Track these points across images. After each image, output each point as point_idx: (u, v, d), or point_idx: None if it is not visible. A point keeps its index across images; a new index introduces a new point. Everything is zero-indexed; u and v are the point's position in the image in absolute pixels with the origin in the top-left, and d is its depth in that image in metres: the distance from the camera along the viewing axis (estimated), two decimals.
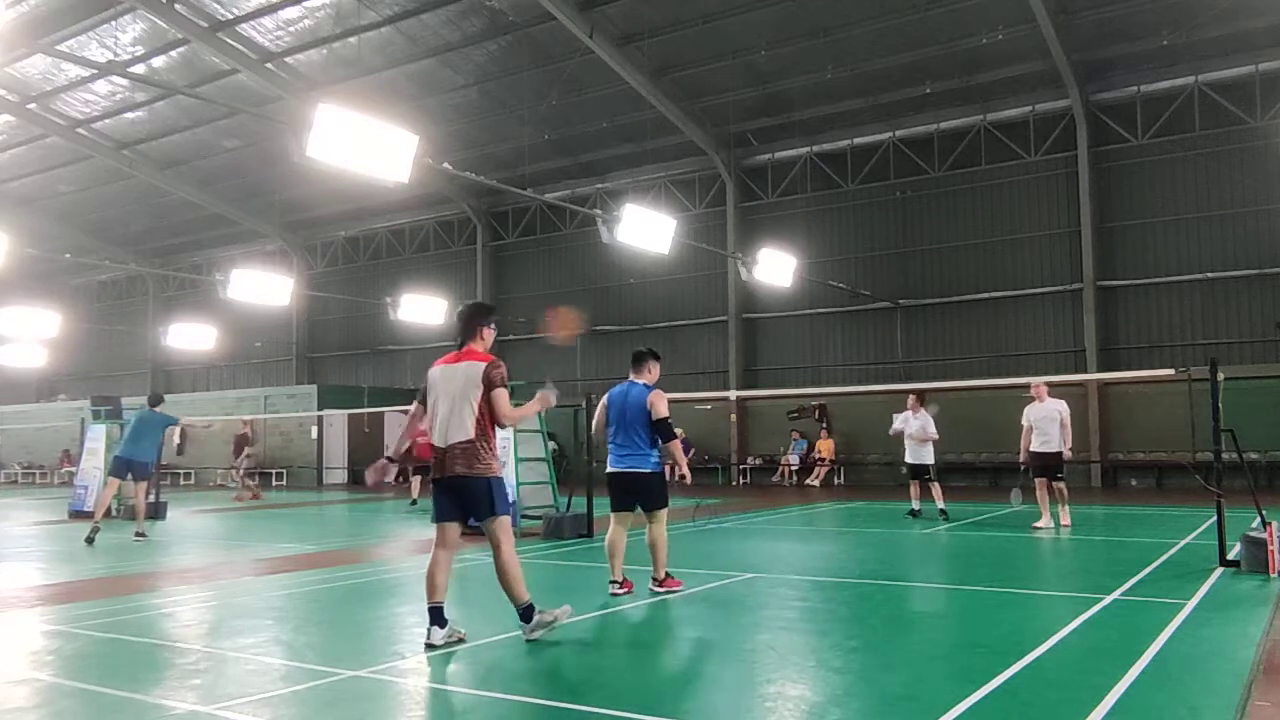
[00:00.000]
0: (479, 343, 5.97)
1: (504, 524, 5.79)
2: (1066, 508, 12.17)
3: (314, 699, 4.78)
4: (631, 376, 7.74)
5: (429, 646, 5.71)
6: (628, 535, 7.68)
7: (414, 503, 18.20)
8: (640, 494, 7.49)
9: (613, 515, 7.69)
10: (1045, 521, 11.98)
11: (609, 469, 7.60)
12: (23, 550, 12.20)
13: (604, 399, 7.80)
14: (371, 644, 6.16)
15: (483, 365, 5.78)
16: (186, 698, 4.78)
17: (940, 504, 13.69)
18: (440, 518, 5.89)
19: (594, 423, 7.93)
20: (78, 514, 17.19)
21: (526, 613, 5.78)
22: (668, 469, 7.95)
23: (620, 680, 5.06)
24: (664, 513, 7.55)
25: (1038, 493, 12.17)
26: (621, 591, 7.48)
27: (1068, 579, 8.69)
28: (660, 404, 7.44)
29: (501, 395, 5.75)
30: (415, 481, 18.72)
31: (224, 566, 10.17)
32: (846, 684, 4.93)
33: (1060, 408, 12.11)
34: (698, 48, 21.90)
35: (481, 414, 5.73)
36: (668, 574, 7.65)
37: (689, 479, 7.93)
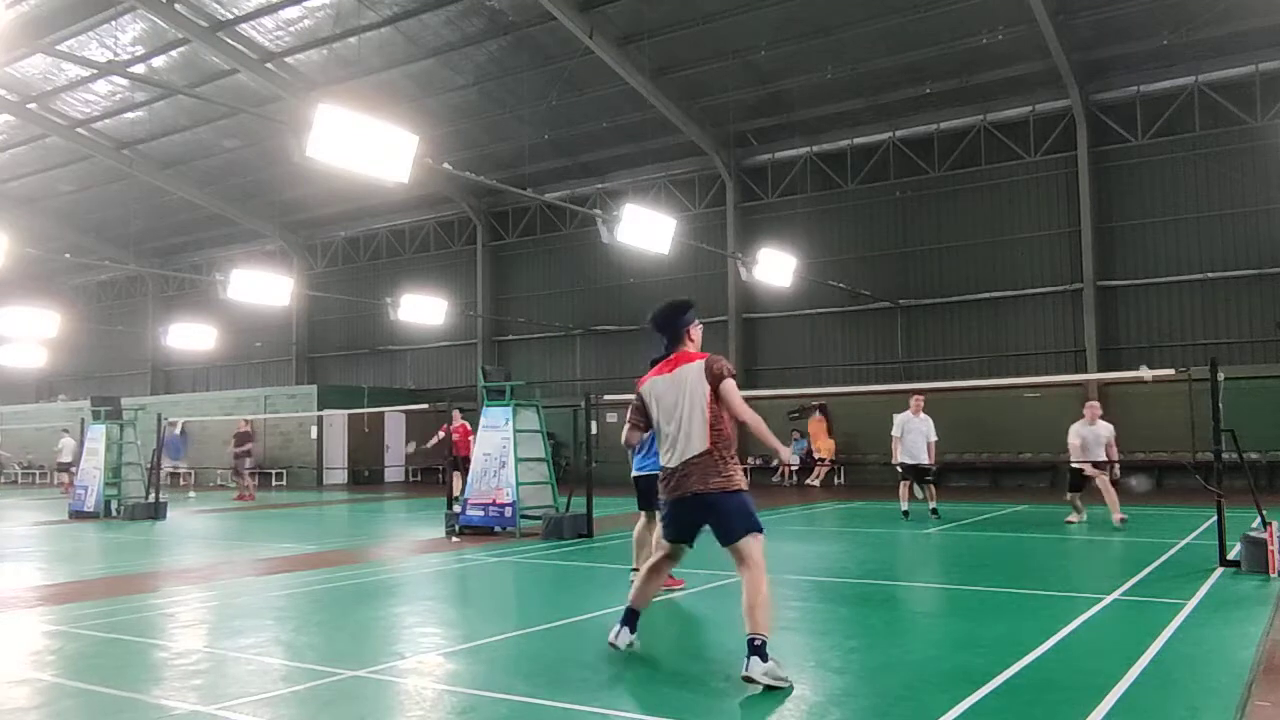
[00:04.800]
0: (690, 344, 5.42)
1: (759, 543, 5.07)
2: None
3: (314, 699, 4.78)
4: None
5: (611, 645, 5.61)
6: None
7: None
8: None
9: (643, 513, 7.90)
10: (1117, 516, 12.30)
11: (637, 473, 7.80)
12: (23, 550, 12.21)
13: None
14: (371, 644, 6.16)
15: (702, 361, 5.22)
16: (187, 698, 4.78)
17: (933, 503, 13.82)
18: (674, 538, 5.45)
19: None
20: (78, 514, 17.21)
21: (763, 650, 4.82)
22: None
23: (620, 680, 5.06)
24: None
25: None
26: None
27: (1068, 579, 8.69)
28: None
29: (731, 386, 5.16)
30: (455, 478, 18.25)
31: (224, 566, 10.17)
32: (846, 684, 4.93)
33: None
34: (698, 48, 21.90)
35: (714, 419, 5.16)
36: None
37: None
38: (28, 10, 22.02)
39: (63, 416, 31.71)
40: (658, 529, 7.75)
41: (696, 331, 5.47)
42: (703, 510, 5.17)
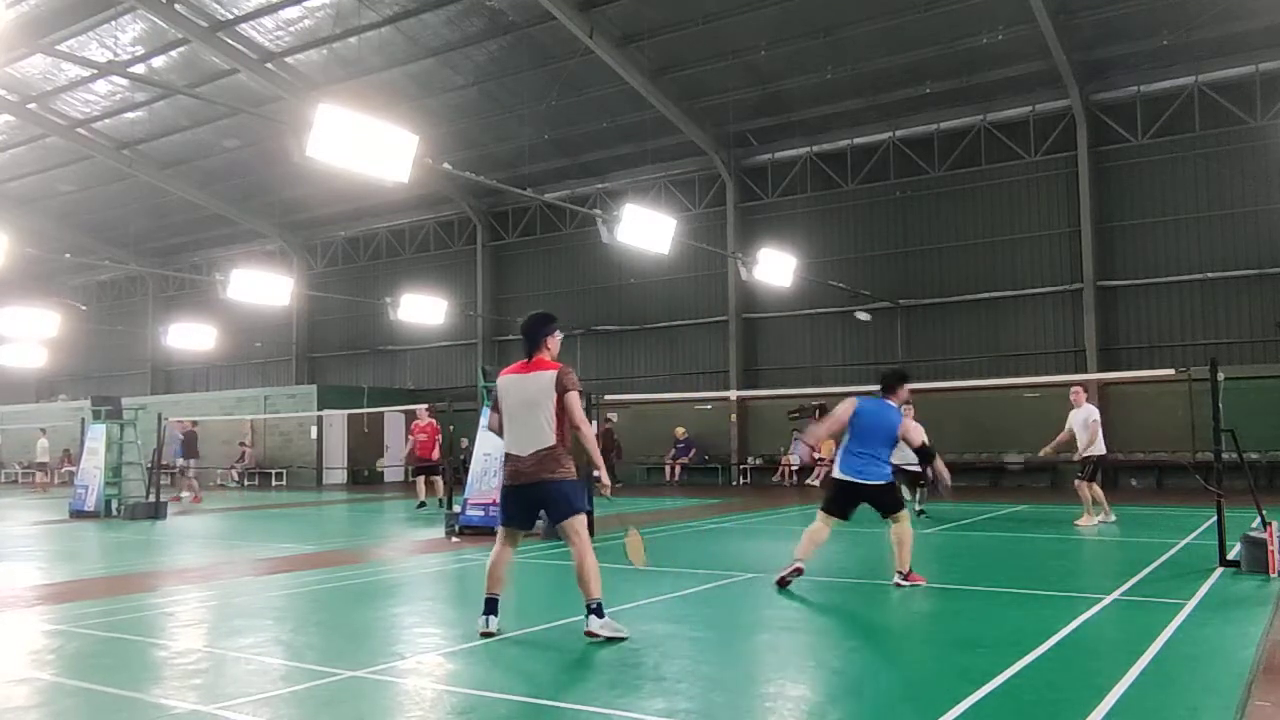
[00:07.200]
0: (546, 352, 6.07)
1: (581, 521, 5.96)
2: (1092, 509, 12.35)
3: (314, 699, 4.78)
4: (883, 397, 8.08)
5: (484, 635, 5.98)
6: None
7: (422, 504, 18.00)
8: (874, 503, 7.84)
9: (821, 514, 7.94)
10: (1086, 520, 12.23)
11: (841, 475, 7.83)
12: (23, 550, 12.21)
13: (856, 404, 7.93)
14: (371, 644, 6.16)
15: (554, 373, 5.91)
16: (186, 698, 4.78)
17: (919, 505, 13.88)
18: (510, 522, 6.12)
19: (830, 424, 8.03)
20: (78, 514, 17.21)
21: (599, 609, 5.86)
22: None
23: (620, 680, 5.06)
24: (904, 513, 7.86)
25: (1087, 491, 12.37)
26: (791, 575, 7.67)
27: (1068, 579, 8.69)
28: (914, 434, 8.05)
29: (574, 399, 5.89)
30: (419, 483, 18.50)
31: (224, 566, 10.17)
32: (846, 684, 4.93)
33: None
34: (698, 48, 21.90)
35: (559, 421, 5.87)
36: (911, 569, 7.87)
37: (947, 481, 8.41)
38: (28, 10, 22.03)
39: (63, 416, 31.72)
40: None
41: (554, 342, 6.13)
42: (540, 495, 5.92)
